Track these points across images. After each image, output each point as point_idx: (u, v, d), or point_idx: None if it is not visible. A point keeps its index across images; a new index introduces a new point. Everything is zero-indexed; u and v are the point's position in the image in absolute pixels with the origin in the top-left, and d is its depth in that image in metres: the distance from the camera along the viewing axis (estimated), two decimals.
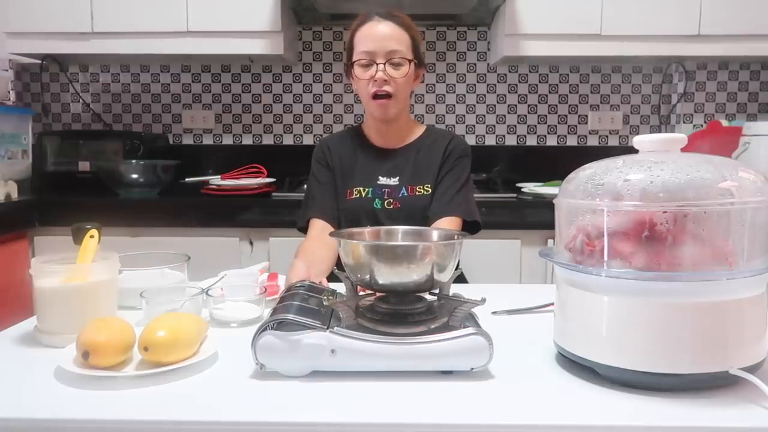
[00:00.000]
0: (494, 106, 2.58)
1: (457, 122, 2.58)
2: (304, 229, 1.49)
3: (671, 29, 2.16)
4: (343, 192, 1.48)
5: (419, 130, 1.53)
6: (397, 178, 1.46)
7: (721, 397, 0.71)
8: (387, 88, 1.38)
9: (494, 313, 1.05)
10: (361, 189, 1.46)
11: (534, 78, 2.56)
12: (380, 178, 1.47)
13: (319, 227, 1.43)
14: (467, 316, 0.82)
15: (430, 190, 1.45)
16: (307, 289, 0.91)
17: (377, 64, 1.37)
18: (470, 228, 1.44)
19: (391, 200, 1.44)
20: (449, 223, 1.40)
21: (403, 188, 1.45)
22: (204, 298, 1.02)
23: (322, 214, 1.45)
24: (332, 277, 1.09)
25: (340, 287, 0.99)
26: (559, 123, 2.58)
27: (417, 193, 1.45)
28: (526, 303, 1.08)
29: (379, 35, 1.38)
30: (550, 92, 2.57)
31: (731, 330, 0.71)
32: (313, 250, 1.35)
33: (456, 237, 0.91)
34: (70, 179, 2.30)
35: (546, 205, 2.00)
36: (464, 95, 2.57)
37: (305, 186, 1.58)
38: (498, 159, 2.55)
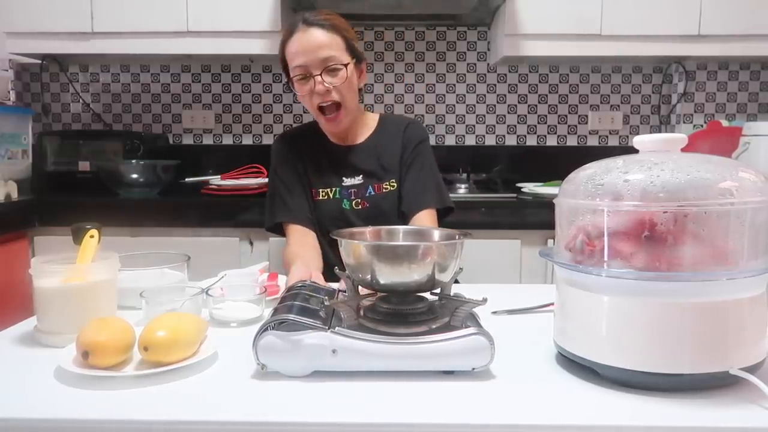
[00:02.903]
0: (494, 106, 2.58)
1: (457, 122, 2.58)
2: (273, 230, 1.48)
3: (671, 29, 2.16)
4: (308, 192, 1.46)
5: (374, 122, 1.50)
6: (361, 176, 1.45)
7: (721, 397, 0.71)
8: (332, 97, 1.34)
9: (494, 313, 1.05)
10: (328, 191, 1.45)
11: (534, 78, 2.56)
12: (344, 179, 1.45)
13: (298, 233, 1.41)
14: (468, 316, 0.82)
15: (396, 185, 1.44)
16: (308, 289, 0.91)
17: (314, 76, 1.33)
18: (444, 214, 1.44)
19: (359, 200, 1.43)
20: (427, 216, 1.39)
21: (370, 187, 1.44)
22: (204, 298, 1.02)
23: (296, 219, 1.42)
24: (331, 277, 1.09)
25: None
26: (559, 123, 2.58)
27: (384, 190, 1.44)
28: (526, 303, 1.08)
29: (309, 46, 1.32)
30: (550, 92, 2.57)
31: (731, 330, 0.71)
32: (303, 254, 1.33)
33: (457, 237, 0.91)
34: (70, 179, 2.30)
35: (546, 205, 2.00)
36: (464, 95, 2.57)
37: (269, 185, 1.52)
38: (498, 159, 2.55)
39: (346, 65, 1.34)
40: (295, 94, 1.40)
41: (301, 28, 1.34)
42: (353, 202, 1.43)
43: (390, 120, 1.52)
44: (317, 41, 1.33)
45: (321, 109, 1.37)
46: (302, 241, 1.39)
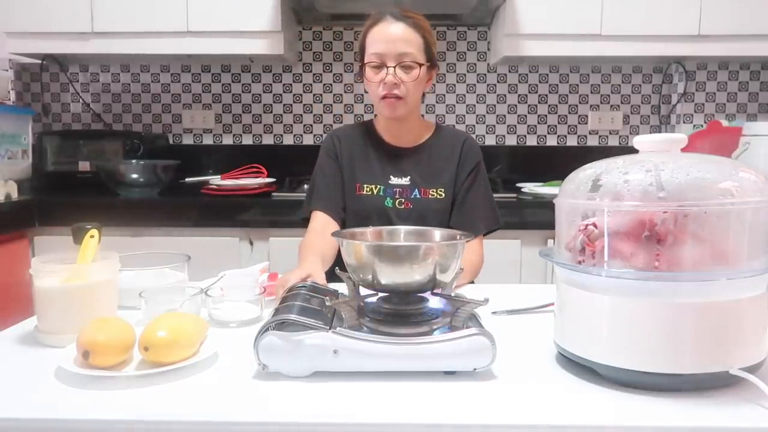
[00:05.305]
0: (494, 106, 2.58)
1: (457, 122, 2.58)
2: (307, 221, 1.48)
3: (671, 29, 2.16)
4: (352, 186, 1.47)
5: (429, 130, 1.52)
6: (409, 178, 1.46)
7: (721, 397, 0.71)
8: (397, 91, 1.37)
9: (494, 313, 1.05)
10: (373, 187, 1.45)
11: (534, 78, 2.56)
12: (392, 177, 1.46)
13: (322, 221, 1.42)
14: (470, 316, 0.82)
15: (443, 194, 1.44)
16: (309, 289, 0.91)
17: (387, 67, 1.36)
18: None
19: (403, 200, 1.44)
20: (473, 242, 1.40)
21: (416, 189, 1.44)
22: (203, 298, 1.02)
23: (325, 208, 1.44)
24: (333, 277, 1.09)
25: (341, 287, 0.99)
26: (559, 123, 2.58)
27: (430, 196, 1.44)
28: (526, 303, 1.08)
29: (391, 37, 1.36)
30: (550, 92, 2.57)
31: (731, 330, 0.71)
32: (318, 246, 1.33)
33: (458, 237, 0.91)
34: (70, 179, 2.31)
35: (546, 205, 2.01)
36: (464, 95, 2.58)
37: (311, 177, 1.55)
38: (498, 159, 2.55)
39: (420, 65, 1.38)
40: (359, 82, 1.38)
41: (387, 19, 1.39)
42: (397, 201, 1.44)
43: (446, 131, 1.54)
44: (399, 35, 1.37)
45: (383, 96, 1.39)
46: (322, 232, 1.38)
